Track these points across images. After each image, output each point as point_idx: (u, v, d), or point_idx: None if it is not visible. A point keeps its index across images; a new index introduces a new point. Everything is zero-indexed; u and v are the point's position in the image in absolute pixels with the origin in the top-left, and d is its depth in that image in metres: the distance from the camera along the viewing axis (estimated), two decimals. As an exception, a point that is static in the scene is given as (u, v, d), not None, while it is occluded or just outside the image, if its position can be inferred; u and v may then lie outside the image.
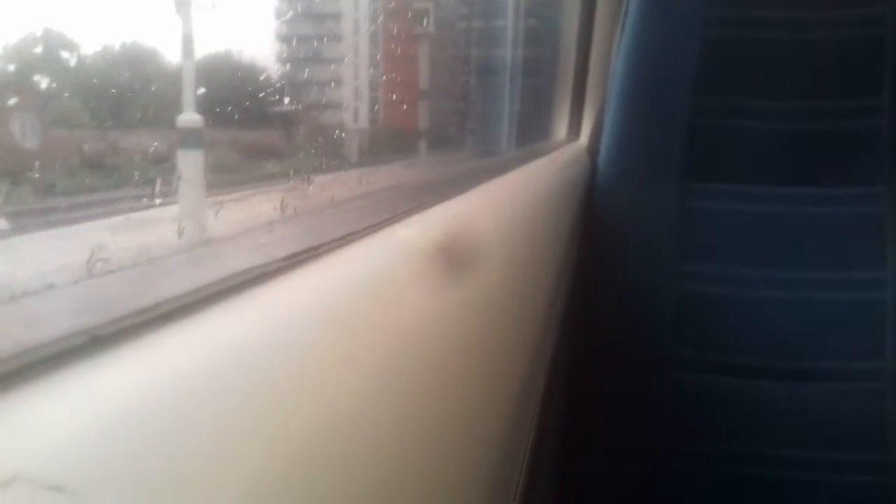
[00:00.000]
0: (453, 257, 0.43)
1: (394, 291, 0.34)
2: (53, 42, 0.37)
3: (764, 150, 1.20)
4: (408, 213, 0.45)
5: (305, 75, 0.74)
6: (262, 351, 0.23)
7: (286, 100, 0.66)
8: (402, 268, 0.37)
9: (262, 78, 0.64)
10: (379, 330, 0.30)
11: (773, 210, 1.19)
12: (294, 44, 0.70)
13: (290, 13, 0.70)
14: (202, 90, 0.47)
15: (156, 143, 0.45)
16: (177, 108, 0.46)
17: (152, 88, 0.48)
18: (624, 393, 1.20)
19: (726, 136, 1.20)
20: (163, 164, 0.44)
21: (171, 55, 0.46)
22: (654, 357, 1.19)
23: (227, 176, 0.56)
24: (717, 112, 1.20)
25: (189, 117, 0.46)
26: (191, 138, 0.45)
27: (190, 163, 0.45)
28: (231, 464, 0.18)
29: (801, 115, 1.19)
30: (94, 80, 0.41)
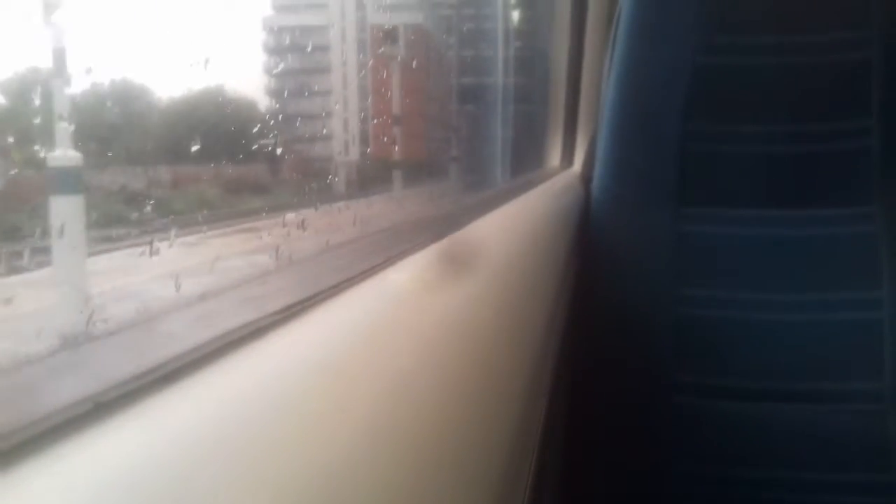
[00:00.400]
0: (448, 293, 0.44)
1: (388, 336, 0.35)
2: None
3: (756, 174, 1.21)
4: (400, 255, 0.46)
5: (292, 109, 0.74)
6: (259, 406, 0.24)
7: (270, 135, 0.66)
8: (393, 312, 0.38)
9: (245, 113, 0.65)
10: (374, 376, 0.31)
11: (767, 232, 1.20)
12: (282, 79, 0.71)
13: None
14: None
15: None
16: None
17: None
18: (625, 419, 1.21)
19: (718, 160, 1.22)
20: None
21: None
22: (654, 382, 1.19)
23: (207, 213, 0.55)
24: (709, 137, 1.21)
25: (63, 154, 0.38)
26: (64, 180, 0.37)
27: (65, 211, 0.37)
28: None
29: (791, 138, 1.20)
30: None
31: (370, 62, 0.95)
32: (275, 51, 0.71)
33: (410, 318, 0.37)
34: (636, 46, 1.25)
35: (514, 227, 0.79)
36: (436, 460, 0.33)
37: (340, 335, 0.32)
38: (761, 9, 1.23)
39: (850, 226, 1.18)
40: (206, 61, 0.43)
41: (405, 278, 0.41)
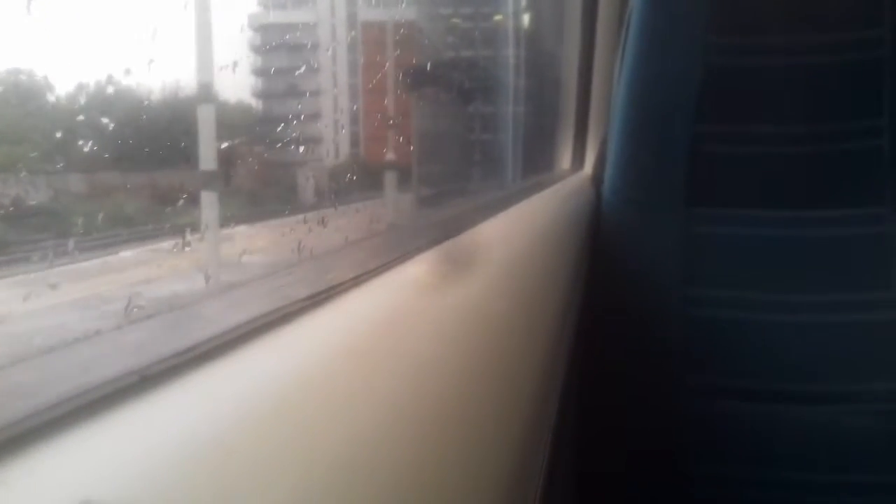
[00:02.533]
0: (464, 290, 0.45)
1: (409, 325, 0.36)
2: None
3: (767, 175, 1.22)
4: (419, 250, 0.47)
5: (264, 109, 0.70)
6: (290, 386, 0.25)
7: (233, 138, 0.61)
8: (415, 302, 0.39)
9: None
10: (396, 362, 0.32)
11: (778, 233, 1.20)
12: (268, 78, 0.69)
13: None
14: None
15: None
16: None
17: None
18: (636, 419, 1.21)
19: (729, 161, 1.22)
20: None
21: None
22: (665, 382, 1.20)
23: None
24: (720, 138, 1.22)
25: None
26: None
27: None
28: (267, 488, 0.20)
29: (802, 139, 1.21)
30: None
31: (360, 61, 0.93)
32: (257, 49, 0.69)
33: (429, 308, 0.39)
34: (646, 49, 1.26)
35: (526, 228, 0.80)
36: (453, 445, 0.35)
37: (364, 323, 0.33)
38: (771, 10, 1.23)
39: (861, 226, 1.18)
40: (151, 61, 0.41)
41: (424, 271, 0.43)
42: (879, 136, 1.19)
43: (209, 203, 0.51)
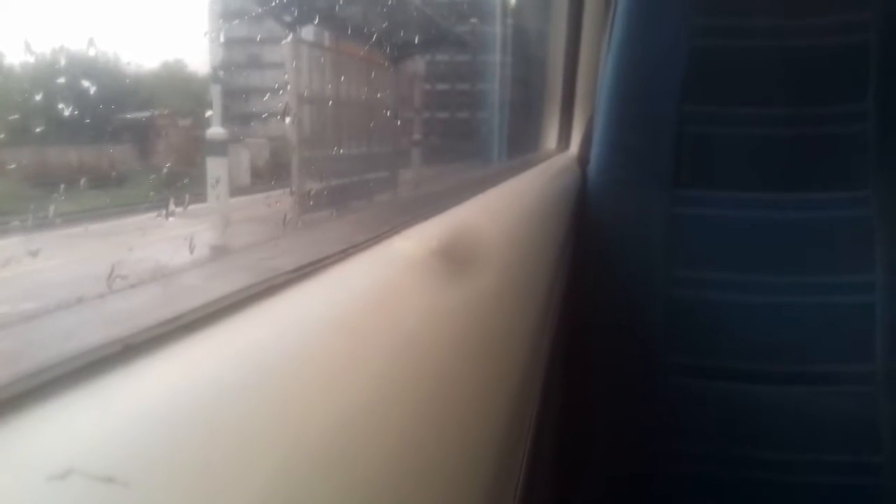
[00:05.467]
0: (450, 266, 0.45)
1: (395, 299, 0.36)
2: None
3: (751, 156, 1.22)
4: (406, 224, 0.47)
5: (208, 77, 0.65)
6: (276, 357, 0.25)
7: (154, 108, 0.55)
8: (402, 277, 0.39)
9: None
10: (382, 336, 0.32)
11: (762, 215, 1.21)
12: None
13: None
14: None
15: None
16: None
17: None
18: (618, 398, 1.22)
19: (714, 142, 1.23)
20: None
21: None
22: (647, 362, 1.21)
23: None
24: (705, 119, 1.22)
25: None
26: None
27: None
28: (252, 457, 0.20)
29: (787, 121, 1.21)
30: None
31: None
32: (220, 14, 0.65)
33: (416, 282, 0.39)
34: (633, 29, 1.26)
35: (511, 205, 0.80)
36: (438, 419, 0.35)
37: (350, 297, 0.33)
38: None
39: (844, 209, 1.19)
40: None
41: (411, 246, 0.43)
42: (864, 120, 1.19)
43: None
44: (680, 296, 1.20)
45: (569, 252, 1.13)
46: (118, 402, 0.19)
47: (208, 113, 0.67)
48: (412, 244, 0.43)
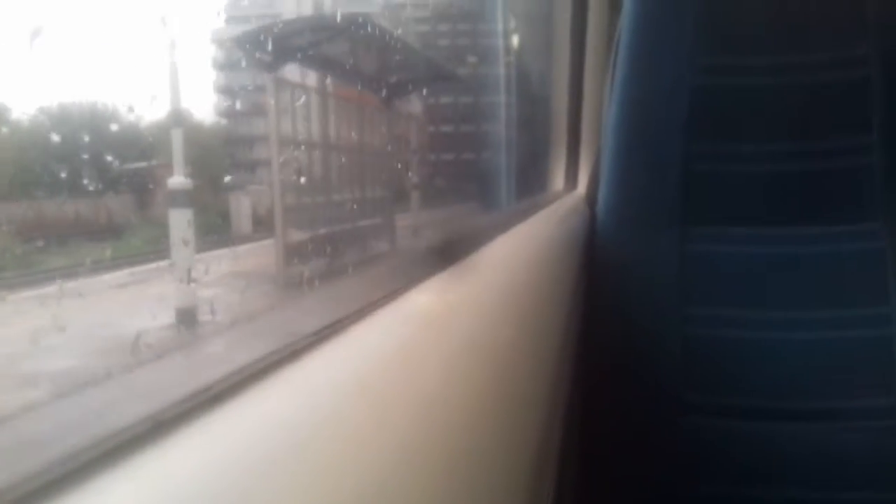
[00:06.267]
0: (468, 318, 0.45)
1: (415, 356, 0.36)
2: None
3: (760, 192, 1.22)
4: (422, 278, 0.47)
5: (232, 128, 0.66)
6: (302, 425, 0.25)
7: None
8: (421, 332, 0.39)
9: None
10: (405, 395, 0.32)
11: (773, 251, 1.21)
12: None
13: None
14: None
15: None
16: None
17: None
18: (635, 437, 1.21)
19: (722, 180, 1.23)
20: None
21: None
22: (663, 401, 1.20)
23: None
24: (711, 157, 1.23)
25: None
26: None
27: None
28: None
29: (793, 157, 1.21)
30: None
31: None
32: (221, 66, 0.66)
33: (436, 338, 0.39)
34: (636, 68, 1.27)
35: (524, 250, 0.80)
36: (465, 474, 0.34)
37: (371, 357, 0.33)
38: (756, 30, 1.24)
39: (855, 242, 1.19)
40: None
41: (428, 300, 0.43)
42: (869, 154, 1.19)
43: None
44: (695, 334, 1.20)
45: (581, 294, 1.13)
46: (150, 481, 0.19)
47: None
48: (429, 298, 0.43)
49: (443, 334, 0.40)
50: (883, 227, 1.18)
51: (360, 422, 0.27)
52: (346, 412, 0.27)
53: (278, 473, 0.22)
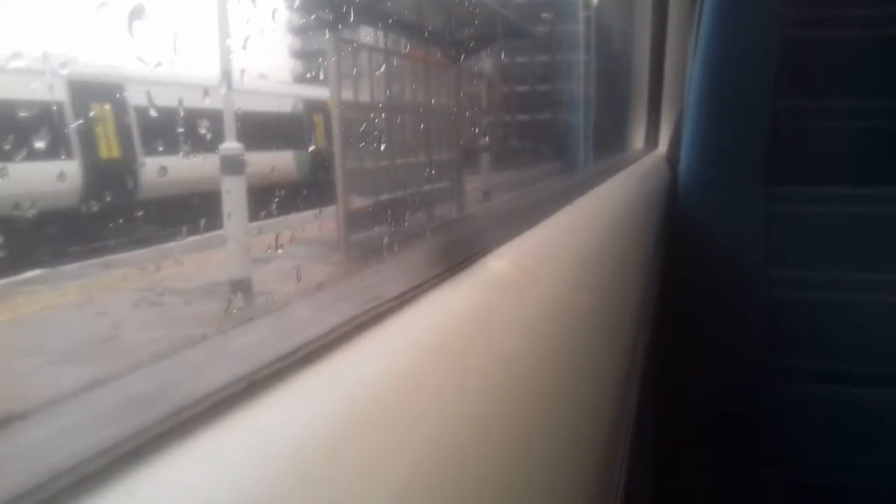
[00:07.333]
0: (545, 282, 0.46)
1: (493, 320, 0.37)
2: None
3: (848, 150, 1.18)
4: (498, 243, 0.47)
5: None
6: (385, 387, 0.26)
7: None
8: (496, 297, 0.40)
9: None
10: (482, 358, 0.33)
11: (862, 211, 1.16)
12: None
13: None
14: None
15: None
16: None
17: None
18: (718, 403, 1.20)
19: (809, 138, 1.19)
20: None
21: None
22: (746, 364, 1.18)
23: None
24: (799, 114, 1.19)
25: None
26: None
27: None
28: (373, 485, 0.21)
29: (885, 113, 1.16)
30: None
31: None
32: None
33: (512, 302, 0.39)
34: (722, 24, 1.23)
35: (602, 212, 0.79)
36: (542, 434, 0.35)
37: (451, 320, 0.34)
38: None
39: None
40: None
41: (504, 265, 0.43)
42: None
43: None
44: (779, 297, 1.17)
45: (662, 256, 1.11)
46: (245, 438, 0.21)
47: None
48: (504, 262, 0.44)
49: (518, 300, 0.40)
50: None
51: (440, 383, 0.28)
52: (427, 374, 0.28)
53: (362, 432, 0.23)
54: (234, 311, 0.29)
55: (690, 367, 1.20)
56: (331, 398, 0.24)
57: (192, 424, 0.20)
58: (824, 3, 1.18)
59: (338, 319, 0.28)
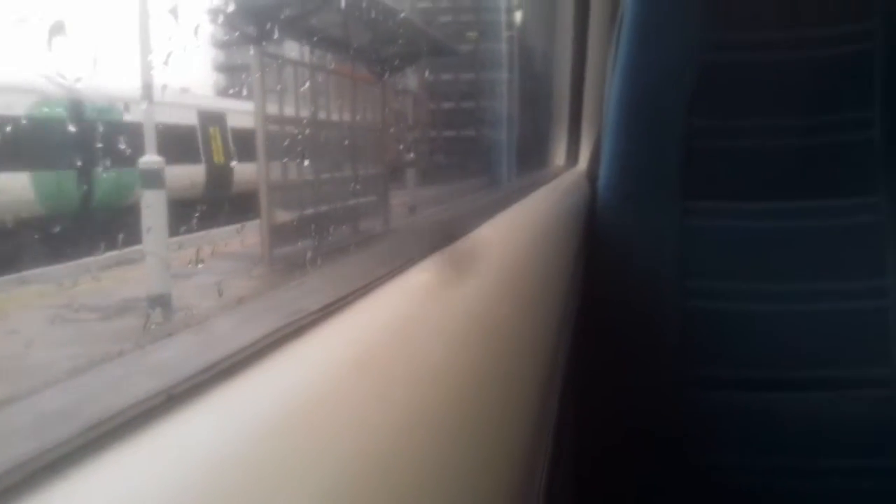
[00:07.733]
0: (467, 295, 0.46)
1: (417, 331, 0.37)
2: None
3: (760, 167, 1.23)
4: (422, 255, 0.48)
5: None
6: (307, 401, 0.26)
7: None
8: (421, 308, 0.40)
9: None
10: (406, 368, 0.33)
11: (773, 225, 1.22)
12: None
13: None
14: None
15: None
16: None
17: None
18: (636, 412, 1.22)
19: (722, 155, 1.23)
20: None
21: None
22: (663, 374, 1.21)
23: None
24: (714, 133, 1.23)
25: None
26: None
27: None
28: (296, 496, 0.21)
29: (795, 132, 1.22)
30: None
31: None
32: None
33: (436, 315, 0.40)
34: (640, 44, 1.27)
35: (524, 226, 0.81)
36: (464, 446, 0.36)
37: (375, 331, 0.34)
38: (762, 5, 1.24)
39: (854, 216, 1.20)
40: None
41: (428, 277, 0.44)
42: (871, 128, 1.20)
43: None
44: (694, 307, 1.21)
45: (581, 269, 1.14)
46: (163, 452, 0.20)
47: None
48: (429, 275, 0.44)
49: (442, 312, 0.41)
50: (882, 201, 1.18)
51: (362, 397, 0.28)
52: (348, 387, 0.28)
53: (285, 444, 0.23)
54: (153, 327, 0.29)
55: (611, 378, 1.23)
56: (253, 411, 0.24)
57: (110, 439, 0.20)
58: (738, 27, 1.23)
59: (259, 332, 0.28)
